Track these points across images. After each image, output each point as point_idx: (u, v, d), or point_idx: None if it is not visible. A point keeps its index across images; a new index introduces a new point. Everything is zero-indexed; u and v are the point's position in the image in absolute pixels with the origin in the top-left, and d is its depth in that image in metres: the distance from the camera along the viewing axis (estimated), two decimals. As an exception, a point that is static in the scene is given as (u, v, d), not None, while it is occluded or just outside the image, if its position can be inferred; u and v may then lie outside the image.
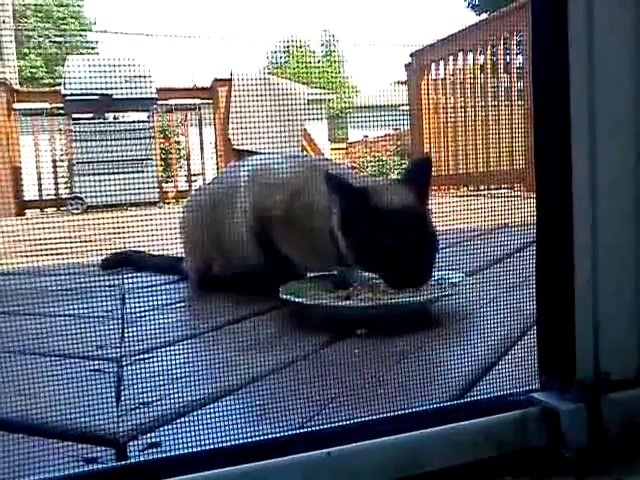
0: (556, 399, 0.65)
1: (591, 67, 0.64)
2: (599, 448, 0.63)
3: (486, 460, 0.62)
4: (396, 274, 1.21)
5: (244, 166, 1.58)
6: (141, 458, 0.67)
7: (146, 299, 1.47)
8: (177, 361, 1.04)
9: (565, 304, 0.67)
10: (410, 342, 1.04)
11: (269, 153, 1.62)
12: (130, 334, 1.19)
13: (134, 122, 5.93)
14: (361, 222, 1.24)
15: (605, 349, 0.66)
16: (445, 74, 4.31)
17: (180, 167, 6.62)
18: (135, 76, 5.79)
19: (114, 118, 6.01)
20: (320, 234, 1.36)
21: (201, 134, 6.46)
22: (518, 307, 0.82)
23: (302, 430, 0.65)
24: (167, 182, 6.48)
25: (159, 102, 6.15)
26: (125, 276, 1.82)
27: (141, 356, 1.03)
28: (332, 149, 8.29)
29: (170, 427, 0.75)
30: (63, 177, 6.22)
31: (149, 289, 1.67)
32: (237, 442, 0.62)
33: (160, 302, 1.49)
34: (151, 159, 5.71)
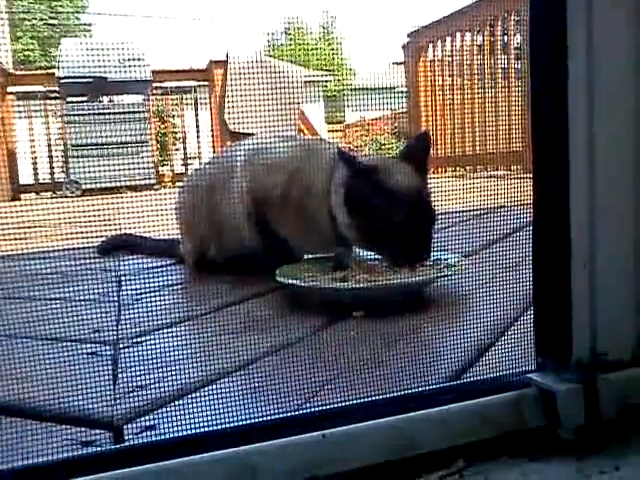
0: (553, 380, 0.65)
1: (590, 63, 0.64)
2: (596, 428, 0.63)
3: (482, 441, 0.62)
4: (403, 250, 1.21)
5: (240, 148, 1.57)
6: (137, 441, 0.68)
7: (142, 282, 1.46)
8: (173, 344, 1.04)
9: (562, 285, 0.66)
10: (407, 324, 1.04)
11: (265, 135, 1.61)
12: (126, 317, 1.19)
13: (129, 105, 5.89)
14: (371, 199, 1.24)
15: (602, 330, 0.66)
16: (443, 55, 4.27)
17: (176, 150, 6.58)
18: (130, 58, 5.74)
19: (109, 101, 5.96)
20: (318, 215, 1.36)
21: (197, 116, 6.41)
22: (515, 288, 0.82)
23: (297, 412, 0.65)
24: (163, 165, 6.44)
25: (154, 84, 6.11)
26: (121, 259, 1.82)
27: (137, 339, 1.03)
28: (329, 131, 8.25)
29: (166, 410, 0.75)
30: (59, 161, 6.18)
31: (145, 272, 1.67)
32: (233, 424, 0.62)
33: (156, 285, 1.49)
34: (147, 142, 5.67)
